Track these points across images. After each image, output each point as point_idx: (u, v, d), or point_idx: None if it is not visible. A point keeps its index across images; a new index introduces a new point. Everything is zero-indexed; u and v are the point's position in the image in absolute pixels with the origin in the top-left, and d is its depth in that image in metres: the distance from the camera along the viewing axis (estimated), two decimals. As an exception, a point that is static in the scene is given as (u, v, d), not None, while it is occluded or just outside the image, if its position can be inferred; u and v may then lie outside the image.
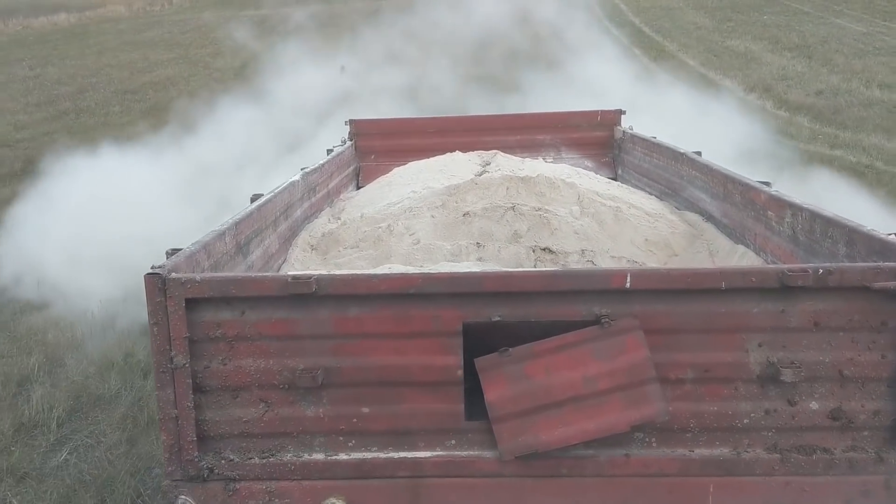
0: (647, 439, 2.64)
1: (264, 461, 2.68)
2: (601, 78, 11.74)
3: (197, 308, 2.58)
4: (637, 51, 18.16)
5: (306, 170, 5.22)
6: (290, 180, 4.79)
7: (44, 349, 6.16)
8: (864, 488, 2.59)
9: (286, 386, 2.63)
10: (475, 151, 6.39)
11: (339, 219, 5.28)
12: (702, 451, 2.63)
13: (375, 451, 2.69)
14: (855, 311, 2.54)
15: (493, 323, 2.59)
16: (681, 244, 4.47)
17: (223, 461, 2.68)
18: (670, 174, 5.37)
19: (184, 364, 2.57)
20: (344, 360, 2.62)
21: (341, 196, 6.09)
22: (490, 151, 6.34)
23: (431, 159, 6.21)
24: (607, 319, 2.55)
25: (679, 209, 5.07)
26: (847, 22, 21.27)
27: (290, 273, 3.06)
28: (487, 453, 2.66)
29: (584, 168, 6.31)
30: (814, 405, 2.58)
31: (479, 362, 2.62)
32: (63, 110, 16.46)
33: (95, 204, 7.31)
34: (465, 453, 2.68)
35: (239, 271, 3.47)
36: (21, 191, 8.58)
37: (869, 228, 2.97)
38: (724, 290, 2.53)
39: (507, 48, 15.03)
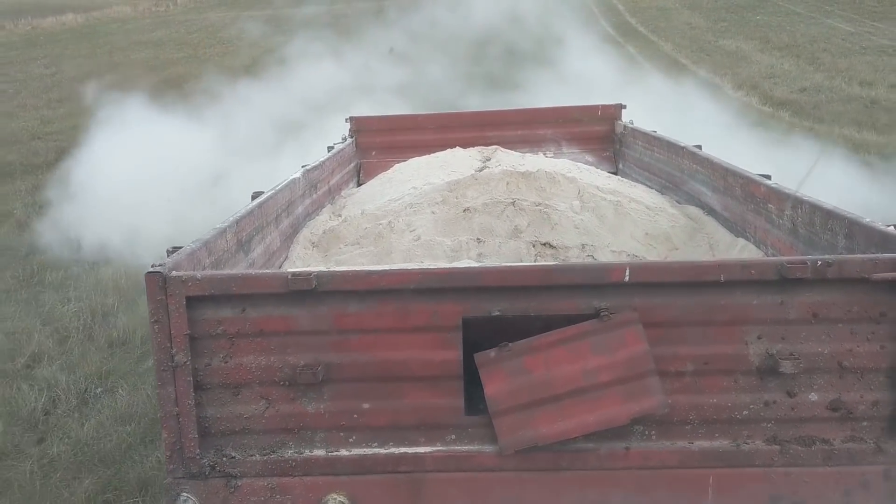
0: (647, 432, 2.65)
1: (265, 458, 2.69)
2: (594, 76, 12.02)
3: (198, 306, 2.59)
4: (631, 49, 18.46)
5: (307, 167, 5.23)
6: (291, 177, 4.80)
7: (118, 293, 7.24)
8: (863, 479, 2.59)
9: (287, 383, 2.64)
10: (475, 147, 6.39)
11: (340, 216, 5.28)
12: (701, 443, 2.64)
13: (376, 446, 2.70)
14: (854, 303, 2.54)
15: (493, 317, 2.60)
16: (681, 238, 4.47)
17: (224, 458, 2.69)
18: (671, 168, 5.37)
19: (185, 362, 2.59)
20: (344, 357, 2.64)
21: (342, 193, 6.10)
22: (490, 147, 6.34)
23: (432, 155, 6.21)
24: (606, 313, 2.56)
25: (680, 203, 5.07)
26: (837, 22, 21.73)
27: (290, 270, 3.06)
28: (487, 448, 2.67)
29: (584, 163, 6.31)
30: (813, 396, 2.59)
31: (479, 357, 2.63)
32: (84, 107, 16.33)
33: (149, 167, 8.39)
34: (465, 448, 2.69)
35: (240, 269, 3.48)
36: (74, 164, 9.64)
37: (868, 220, 2.97)
38: (724, 283, 2.53)
39: (504, 47, 15.21)
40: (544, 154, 6.54)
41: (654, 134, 5.89)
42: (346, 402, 2.67)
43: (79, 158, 9.84)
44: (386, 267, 3.53)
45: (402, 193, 5.12)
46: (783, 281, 2.52)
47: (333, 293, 2.59)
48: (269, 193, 4.26)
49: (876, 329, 2.55)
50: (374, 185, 6.00)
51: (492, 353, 2.62)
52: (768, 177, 4.00)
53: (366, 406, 2.67)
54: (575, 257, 4.00)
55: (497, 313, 2.60)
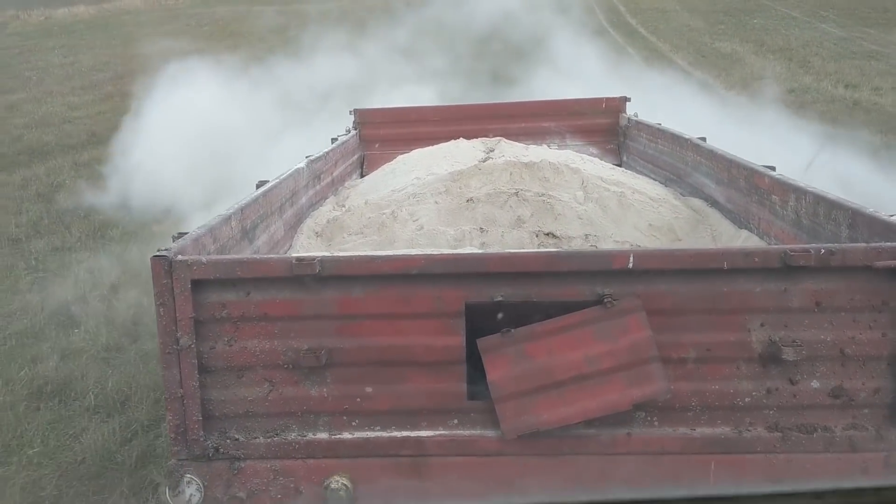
0: (648, 418, 2.66)
1: (269, 440, 2.71)
2: (589, 73, 12.22)
3: (203, 289, 2.61)
4: (631, 50, 18.79)
5: (311, 157, 5.24)
6: (296, 167, 4.81)
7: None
8: (864, 465, 2.60)
9: (290, 366, 2.66)
10: (479, 139, 6.39)
11: (344, 206, 5.29)
12: (703, 430, 2.65)
13: (378, 430, 2.71)
14: (856, 291, 2.55)
15: (496, 303, 2.61)
16: (684, 229, 4.48)
17: (228, 440, 2.71)
18: (675, 160, 5.37)
19: (189, 345, 2.60)
20: (347, 341, 2.65)
21: (346, 184, 6.11)
22: (494, 138, 6.34)
23: (435, 146, 6.21)
24: (610, 300, 2.57)
25: (684, 195, 5.07)
26: (830, 27, 22.16)
27: (294, 255, 3.08)
28: (490, 432, 2.69)
29: (588, 155, 6.32)
30: (815, 384, 2.60)
31: (482, 343, 2.64)
32: (107, 94, 17.93)
33: (183, 141, 9.25)
34: (467, 432, 2.70)
35: (242, 255, 3.50)
36: (115, 141, 10.74)
37: (871, 210, 2.98)
38: (727, 270, 2.54)
39: (506, 45, 15.41)
40: (548, 146, 6.54)
41: (658, 126, 5.89)
42: (350, 385, 2.68)
43: (119, 136, 11.15)
44: (389, 252, 3.54)
45: (405, 184, 5.13)
46: (786, 269, 2.52)
47: (337, 278, 2.61)
48: (274, 182, 4.27)
49: (878, 317, 2.56)
50: (377, 176, 6.01)
51: (494, 338, 2.62)
52: (773, 168, 4.00)
53: (369, 390, 2.69)
54: (578, 247, 4.01)
55: (500, 299, 2.60)
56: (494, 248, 4.00)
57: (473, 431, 2.70)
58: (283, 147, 8.11)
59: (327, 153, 5.69)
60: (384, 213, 4.59)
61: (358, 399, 2.69)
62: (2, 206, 9.78)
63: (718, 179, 4.59)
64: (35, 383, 5.42)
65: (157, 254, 2.59)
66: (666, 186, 5.36)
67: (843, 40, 20.28)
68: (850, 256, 2.52)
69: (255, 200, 3.84)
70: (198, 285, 2.60)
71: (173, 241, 2.83)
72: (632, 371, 2.58)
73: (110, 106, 16.27)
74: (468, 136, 6.48)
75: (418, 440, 2.70)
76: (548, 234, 4.12)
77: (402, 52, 14.14)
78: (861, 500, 1.71)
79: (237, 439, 2.70)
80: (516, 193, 4.38)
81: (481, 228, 4.21)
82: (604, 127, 6.89)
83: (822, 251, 2.52)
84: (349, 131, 6.86)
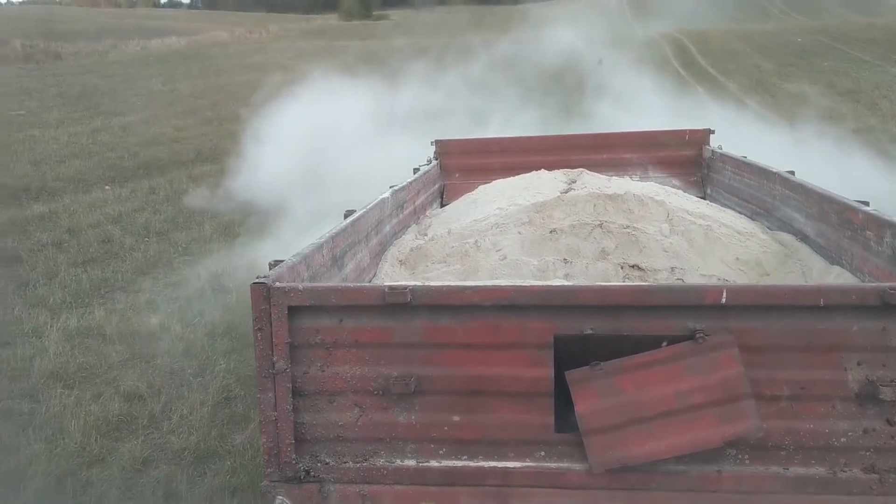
0: (740, 456, 2.62)
1: (358, 465, 2.76)
2: (658, 109, 12.44)
3: (298, 316, 2.69)
4: (700, 89, 18.98)
5: (395, 187, 5.34)
6: (381, 197, 4.91)
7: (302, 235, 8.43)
8: None
9: (380, 392, 2.71)
10: (560, 170, 6.40)
11: (426, 234, 5.37)
12: (797, 470, 2.60)
13: (465, 459, 2.74)
14: None
15: (585, 336, 2.62)
16: (772, 264, 4.39)
17: (319, 464, 2.77)
18: (762, 193, 5.28)
19: (285, 369, 2.68)
20: (436, 369, 2.69)
21: (427, 213, 6.19)
22: (576, 170, 6.34)
23: (517, 177, 6.25)
24: (702, 335, 2.55)
25: (771, 229, 4.98)
26: None
27: (387, 283, 3.15)
28: (577, 465, 2.68)
29: (671, 187, 6.25)
30: None
31: (570, 375, 2.64)
32: (207, 118, 19.87)
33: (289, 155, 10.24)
34: (554, 465, 2.70)
35: (335, 283, 3.59)
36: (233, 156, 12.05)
37: None
38: (823, 308, 2.50)
39: (578, 83, 15.76)
40: (630, 177, 6.50)
41: (743, 159, 5.80)
42: (437, 414, 2.72)
43: (229, 154, 13.02)
44: (479, 283, 3.58)
45: (487, 214, 5.18)
46: (886, 307, 2.46)
47: (427, 307, 2.66)
48: (361, 212, 4.38)
49: None
50: (459, 206, 6.07)
51: (583, 371, 2.63)
52: (866, 203, 3.90)
53: (456, 419, 2.72)
54: (664, 280, 3.97)
55: (590, 332, 2.61)
56: (579, 280, 4.00)
57: (560, 464, 2.70)
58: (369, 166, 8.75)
59: (410, 183, 5.79)
60: (467, 243, 4.63)
61: (445, 427, 2.72)
62: (141, 207, 11.50)
63: (808, 214, 4.49)
64: (207, 327, 6.82)
65: (257, 281, 2.69)
66: (753, 220, 5.27)
67: None
68: None
69: (345, 230, 3.94)
70: (294, 311, 2.68)
71: (270, 268, 2.93)
72: (723, 407, 2.55)
73: (211, 129, 18.23)
74: (548, 167, 6.50)
75: (505, 471, 2.71)
76: (633, 267, 4.09)
77: (478, 86, 14.46)
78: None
79: (327, 463, 2.77)
80: (600, 225, 4.37)
81: (565, 259, 4.21)
82: (687, 159, 6.81)
83: None
84: (430, 161, 6.95)
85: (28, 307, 7.44)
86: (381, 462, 2.76)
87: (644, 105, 12.78)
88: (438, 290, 2.71)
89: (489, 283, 3.60)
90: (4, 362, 6.25)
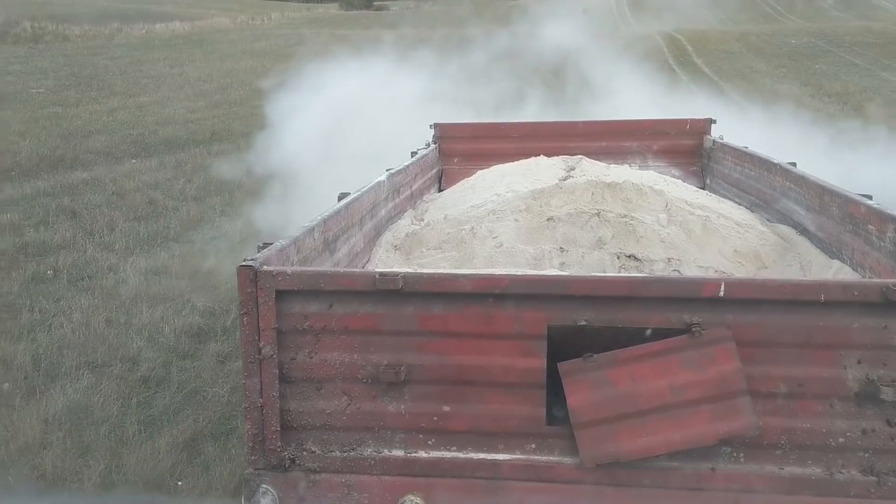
0: (734, 454, 2.57)
1: (345, 455, 2.71)
2: (650, 104, 12.58)
3: (286, 300, 2.63)
4: (693, 87, 19.44)
5: (391, 170, 5.27)
6: (377, 180, 4.84)
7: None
8: None
9: (369, 381, 2.65)
10: (560, 156, 6.33)
11: (423, 220, 5.30)
12: (792, 469, 2.54)
13: (455, 450, 2.69)
14: None
15: (579, 327, 2.56)
16: (771, 256, 4.34)
17: (305, 452, 2.72)
18: (762, 185, 5.22)
19: (271, 354, 2.62)
20: (427, 358, 2.63)
21: (424, 198, 6.12)
22: (575, 157, 6.27)
23: (515, 163, 6.18)
24: (698, 328, 2.49)
25: (771, 221, 4.92)
26: (891, 75, 22.89)
27: (377, 270, 3.08)
28: (568, 459, 2.63)
29: (671, 176, 6.19)
30: None
31: (563, 367, 2.59)
32: (217, 101, 20.50)
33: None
34: (544, 458, 2.65)
35: (326, 267, 3.53)
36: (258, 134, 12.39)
37: None
38: (823, 304, 2.44)
39: (576, 76, 16.09)
40: (630, 166, 6.43)
41: (744, 150, 5.74)
42: (427, 403, 2.67)
43: (247, 133, 14.18)
44: (473, 271, 3.52)
45: (484, 200, 5.11)
46: (888, 304, 2.41)
47: (419, 294, 2.60)
48: (355, 195, 4.31)
49: None
50: (456, 191, 6.00)
51: (576, 362, 2.57)
52: (869, 196, 3.84)
53: (446, 409, 2.66)
54: (660, 271, 3.91)
55: (584, 323, 2.55)
56: (575, 269, 3.94)
57: (551, 457, 2.65)
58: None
59: (407, 167, 5.71)
60: (463, 229, 4.57)
61: (435, 418, 2.67)
62: (174, 177, 12.42)
63: (809, 206, 4.43)
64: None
65: (244, 263, 2.63)
66: (752, 212, 5.21)
67: None
68: None
69: (338, 213, 3.87)
70: (282, 296, 2.62)
71: (258, 250, 2.86)
72: (719, 404, 2.50)
73: (222, 112, 19.03)
74: (548, 154, 6.43)
75: (494, 463, 2.66)
76: (629, 257, 4.04)
77: (471, 77, 14.59)
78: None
79: (314, 452, 2.71)
80: (598, 214, 4.31)
81: (561, 248, 4.15)
82: (687, 148, 6.74)
83: None
84: (429, 145, 6.87)
85: (98, 250, 8.76)
86: (368, 452, 2.71)
87: (636, 98, 12.97)
88: (431, 277, 2.65)
89: (482, 271, 3.54)
90: (94, 288, 7.61)
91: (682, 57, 26.86)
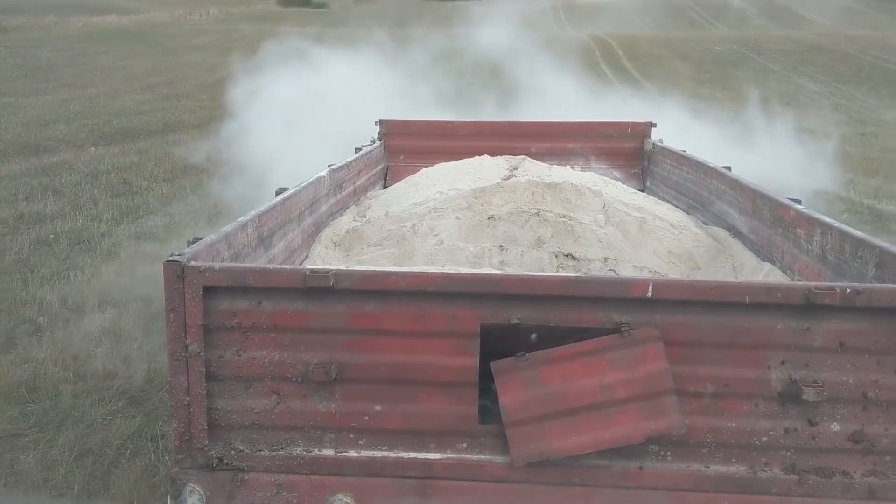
0: (661, 452, 2.60)
1: (274, 454, 2.67)
2: (579, 103, 13.13)
3: (214, 297, 2.58)
4: (622, 89, 20.24)
5: (333, 166, 5.22)
6: (317, 176, 4.79)
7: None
8: None
9: (299, 379, 2.62)
10: (503, 156, 6.36)
11: (365, 216, 5.27)
12: (717, 468, 2.58)
13: (386, 449, 2.67)
14: (882, 333, 2.48)
15: (511, 326, 2.57)
16: (704, 258, 4.41)
17: (233, 451, 2.67)
18: (699, 188, 5.31)
19: (198, 352, 2.57)
20: (358, 357, 2.61)
21: (368, 195, 6.09)
22: (518, 157, 6.30)
23: (459, 161, 6.19)
24: (627, 328, 2.52)
25: (706, 223, 5.01)
26: (805, 81, 24.64)
27: (308, 266, 3.05)
28: (499, 458, 2.63)
29: (612, 178, 6.26)
30: (835, 426, 2.53)
31: (495, 365, 2.59)
32: (165, 95, 20.92)
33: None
34: (476, 457, 2.65)
35: (260, 264, 3.47)
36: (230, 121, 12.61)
37: None
38: (748, 305, 2.48)
39: (510, 80, 16.75)
40: (572, 167, 6.49)
41: (683, 153, 5.83)
42: (358, 402, 2.64)
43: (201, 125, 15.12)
44: (406, 268, 3.51)
45: (427, 197, 5.11)
46: (810, 306, 2.46)
47: (351, 292, 2.57)
48: (293, 190, 4.25)
49: None
50: (399, 188, 5.99)
51: (509, 361, 2.58)
52: (798, 201, 3.93)
53: (377, 408, 2.64)
54: (597, 270, 3.95)
55: (516, 321, 2.56)
56: (513, 267, 3.96)
57: (482, 456, 2.64)
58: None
59: (350, 162, 5.66)
60: (405, 226, 4.56)
61: (366, 417, 2.65)
62: (140, 163, 12.90)
63: (742, 209, 4.52)
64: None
65: (170, 259, 2.57)
66: (688, 214, 5.30)
67: (815, 93, 22.52)
68: (876, 297, 2.46)
69: (273, 208, 3.81)
70: (209, 292, 2.57)
71: (188, 245, 2.81)
72: (647, 403, 2.52)
73: (171, 104, 19.48)
74: (493, 153, 6.45)
75: (426, 462, 2.65)
76: (567, 256, 4.07)
77: (404, 75, 14.79)
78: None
79: (242, 451, 2.67)
80: (538, 213, 4.34)
81: (501, 247, 4.17)
82: (628, 151, 6.83)
83: (848, 290, 2.45)
84: (374, 141, 6.84)
85: (88, 221, 9.42)
86: (297, 451, 2.67)
87: (564, 100, 13.37)
88: (362, 274, 2.62)
89: (415, 269, 3.52)
90: (94, 249, 8.33)
91: (613, 60, 28.29)
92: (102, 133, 15.42)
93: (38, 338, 6.01)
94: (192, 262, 2.58)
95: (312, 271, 2.54)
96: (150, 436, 4.70)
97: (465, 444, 2.66)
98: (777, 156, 10.92)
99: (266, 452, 2.67)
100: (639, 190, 6.15)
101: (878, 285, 2.65)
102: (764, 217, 4.17)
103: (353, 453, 2.66)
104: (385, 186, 6.70)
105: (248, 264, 3.17)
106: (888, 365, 2.48)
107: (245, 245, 3.30)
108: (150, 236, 8.87)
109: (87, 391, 5.21)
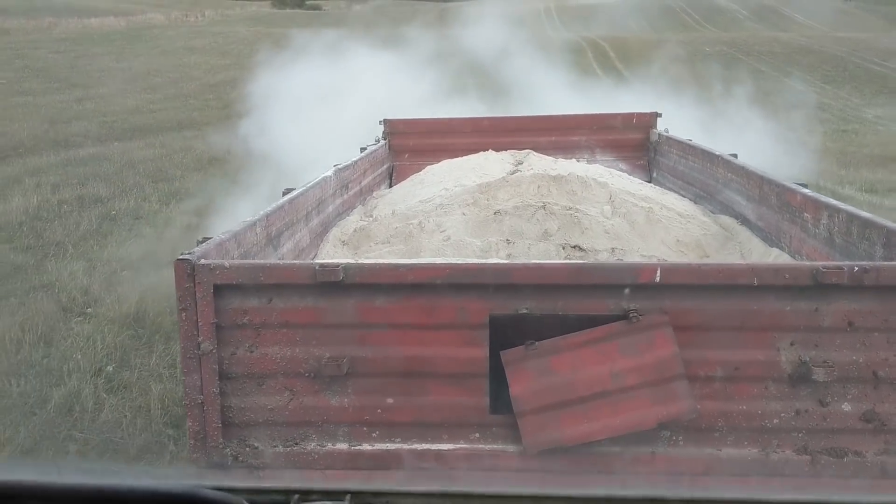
0: (673, 437, 2.61)
1: (288, 450, 2.69)
2: (574, 104, 13.15)
3: (225, 295, 2.60)
4: (614, 88, 20.57)
5: (339, 166, 5.23)
6: (323, 176, 4.81)
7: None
8: None
9: (311, 374, 2.63)
10: (508, 151, 6.36)
11: (371, 215, 5.29)
12: (729, 451, 2.59)
13: (399, 442, 2.68)
14: (891, 312, 2.48)
15: (520, 315, 2.58)
16: (712, 246, 4.41)
17: (248, 448, 2.69)
18: (705, 177, 5.31)
19: (211, 350, 2.59)
20: (369, 350, 2.62)
21: (374, 194, 6.10)
22: (523, 151, 6.30)
23: (464, 158, 6.19)
24: (636, 314, 2.52)
25: (714, 212, 5.01)
26: (793, 81, 25.23)
27: (317, 261, 3.07)
28: (511, 447, 2.65)
29: (618, 170, 6.26)
30: (846, 406, 2.53)
31: (505, 355, 2.60)
32: (171, 94, 21.36)
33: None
34: (488, 447, 2.66)
35: (267, 261, 3.49)
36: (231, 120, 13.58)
37: None
38: (757, 287, 2.49)
39: (504, 79, 16.76)
40: (577, 160, 6.49)
41: (689, 143, 5.83)
42: (370, 396, 2.66)
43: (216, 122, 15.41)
44: (414, 260, 3.52)
45: (433, 194, 5.12)
46: (818, 287, 2.46)
47: (360, 286, 2.58)
48: (300, 190, 4.27)
49: None
50: (405, 186, 6.00)
51: (518, 351, 2.59)
52: (805, 185, 3.93)
53: (390, 401, 2.66)
54: (604, 260, 3.95)
55: (525, 311, 2.57)
56: (521, 261, 3.96)
57: (495, 446, 2.66)
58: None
59: (356, 162, 5.68)
60: (411, 224, 4.57)
61: (379, 410, 2.66)
62: (165, 155, 13.53)
63: (749, 197, 4.52)
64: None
65: (181, 257, 2.59)
66: (695, 203, 5.30)
67: (799, 92, 22.86)
68: (884, 275, 2.46)
69: (281, 207, 3.83)
70: (220, 290, 2.59)
71: (197, 244, 2.83)
72: (657, 388, 2.53)
73: (179, 103, 19.99)
74: (497, 148, 6.45)
75: (438, 453, 2.66)
76: (574, 247, 4.07)
77: (408, 69, 14.90)
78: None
79: (256, 448, 2.69)
80: (544, 206, 4.34)
81: (508, 240, 4.18)
82: (634, 142, 6.82)
83: (856, 269, 2.46)
84: (378, 141, 6.85)
85: (139, 201, 10.36)
86: (312, 446, 2.69)
87: (556, 97, 13.43)
88: (371, 268, 2.64)
89: (423, 260, 3.53)
90: (154, 223, 9.24)
91: (605, 62, 28.85)
92: (121, 129, 16.04)
93: (131, 284, 6.82)
94: (203, 261, 2.60)
95: (322, 266, 2.56)
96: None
97: (477, 435, 2.67)
98: (754, 148, 11.19)
99: (280, 448, 2.68)
100: (645, 181, 6.14)
101: (886, 263, 2.65)
102: (771, 203, 4.16)
103: (366, 447, 2.68)
104: (391, 185, 6.71)
105: (257, 261, 3.19)
106: None
107: (254, 244, 3.32)
108: (202, 212, 9.26)
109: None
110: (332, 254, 4.55)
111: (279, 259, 3.70)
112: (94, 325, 6.06)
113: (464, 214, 4.53)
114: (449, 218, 4.53)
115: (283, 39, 18.96)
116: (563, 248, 4.03)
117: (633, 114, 6.98)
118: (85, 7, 44.67)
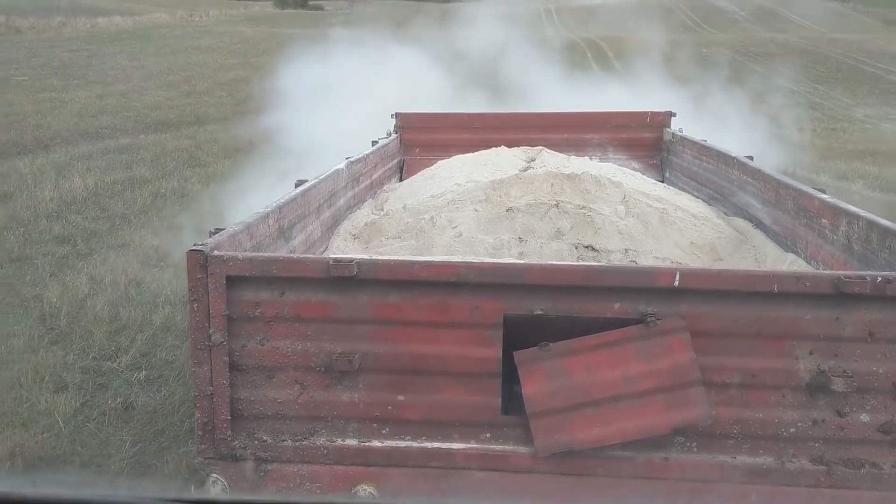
0: (688, 443, 2.57)
1: (297, 444, 2.66)
2: (571, 100, 13.36)
3: (237, 286, 2.57)
4: (610, 86, 20.72)
5: (350, 159, 5.21)
6: (335, 168, 4.78)
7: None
8: None
9: (322, 369, 2.61)
10: (520, 147, 6.32)
11: (382, 209, 5.26)
12: (744, 459, 2.56)
13: (409, 439, 2.66)
14: None
15: (534, 316, 2.55)
16: (727, 249, 4.37)
17: (256, 441, 2.67)
18: (720, 178, 5.26)
19: (221, 342, 2.57)
20: (381, 347, 2.60)
21: (385, 188, 6.07)
22: (535, 147, 6.26)
23: (476, 153, 6.15)
24: (652, 318, 2.49)
25: (728, 214, 4.96)
26: (785, 82, 25.54)
27: (332, 256, 3.04)
28: (522, 449, 2.62)
29: (630, 169, 6.21)
30: (864, 417, 2.50)
31: (518, 356, 2.57)
32: (186, 92, 21.76)
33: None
34: (499, 447, 2.64)
35: (280, 254, 3.47)
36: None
37: None
38: (776, 295, 2.45)
39: (501, 75, 17.04)
40: (590, 158, 6.45)
41: (703, 143, 5.78)
42: (381, 392, 2.63)
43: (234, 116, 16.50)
44: (429, 258, 3.49)
45: (444, 190, 5.08)
46: (839, 296, 2.43)
47: (375, 282, 2.56)
48: (312, 182, 4.25)
49: None
50: (416, 181, 5.96)
51: (532, 352, 2.56)
52: (823, 191, 3.89)
53: (401, 398, 2.63)
54: (617, 261, 3.92)
55: (539, 312, 2.54)
56: (533, 259, 3.93)
57: (506, 447, 2.63)
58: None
59: (367, 156, 5.65)
60: (423, 219, 4.54)
61: (389, 407, 2.64)
62: (194, 145, 14.17)
63: (765, 200, 4.48)
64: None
65: (194, 248, 2.56)
66: (709, 205, 5.25)
67: (792, 93, 23.45)
68: None
69: (293, 200, 3.81)
70: (233, 282, 2.56)
71: (210, 235, 2.80)
72: (672, 394, 2.50)
73: (194, 100, 20.46)
74: (509, 144, 6.41)
75: (449, 452, 2.64)
76: (587, 247, 4.04)
77: (400, 70, 15.08)
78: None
79: (265, 441, 2.66)
80: (557, 205, 4.30)
81: (520, 238, 4.14)
82: (647, 141, 6.77)
83: (879, 279, 2.42)
84: (390, 135, 6.81)
85: (181, 182, 11.19)
86: (321, 441, 2.66)
87: (554, 94, 13.61)
88: (386, 264, 2.61)
89: (438, 258, 3.50)
90: (201, 200, 9.67)
91: (604, 61, 29.06)
92: (145, 124, 16.56)
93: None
94: (216, 252, 2.57)
95: (336, 260, 2.53)
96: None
97: (488, 435, 2.65)
98: (743, 142, 11.32)
99: (289, 442, 2.66)
100: (658, 181, 6.09)
101: None
102: (787, 207, 4.12)
103: (376, 443, 2.66)
104: (401, 180, 6.67)
105: (271, 254, 3.17)
106: None
107: (266, 236, 3.29)
108: (244, 191, 9.58)
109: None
110: (343, 248, 4.53)
111: (291, 251, 3.67)
112: (171, 272, 7.10)
113: (476, 211, 4.50)
114: (461, 214, 4.50)
115: (289, 40, 19.31)
116: (576, 248, 3.99)
117: (646, 112, 6.93)
118: (91, 6, 45.64)
